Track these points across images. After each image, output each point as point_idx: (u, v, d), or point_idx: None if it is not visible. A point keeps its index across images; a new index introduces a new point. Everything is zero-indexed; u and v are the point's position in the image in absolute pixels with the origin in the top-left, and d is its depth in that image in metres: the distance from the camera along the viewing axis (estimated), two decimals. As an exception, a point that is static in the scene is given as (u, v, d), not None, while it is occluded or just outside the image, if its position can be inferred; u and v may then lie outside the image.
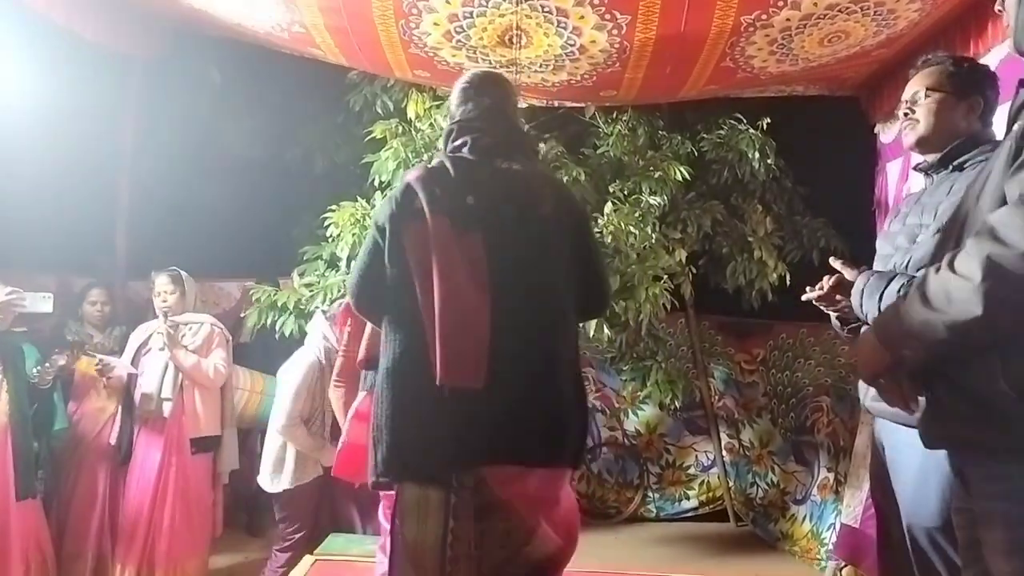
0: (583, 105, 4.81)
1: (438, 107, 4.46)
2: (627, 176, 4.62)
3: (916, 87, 2.06)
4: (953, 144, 1.95)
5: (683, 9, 3.44)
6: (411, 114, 4.48)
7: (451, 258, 1.83)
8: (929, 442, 1.40)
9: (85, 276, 4.55)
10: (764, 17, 3.48)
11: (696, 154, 4.87)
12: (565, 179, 4.46)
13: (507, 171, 1.95)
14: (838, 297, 1.99)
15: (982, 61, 2.79)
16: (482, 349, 1.79)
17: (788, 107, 4.86)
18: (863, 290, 1.85)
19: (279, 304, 4.25)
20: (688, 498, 5.71)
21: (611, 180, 4.63)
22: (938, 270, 1.26)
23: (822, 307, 2.08)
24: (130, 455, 3.69)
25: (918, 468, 1.86)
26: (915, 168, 2.14)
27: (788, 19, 3.49)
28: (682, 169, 4.54)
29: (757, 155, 4.69)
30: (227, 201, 5.08)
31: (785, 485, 5.38)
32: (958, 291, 1.20)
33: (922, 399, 1.40)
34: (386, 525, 2.31)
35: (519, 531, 1.86)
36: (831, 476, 4.98)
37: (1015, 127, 1.33)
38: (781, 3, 3.37)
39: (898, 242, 1.97)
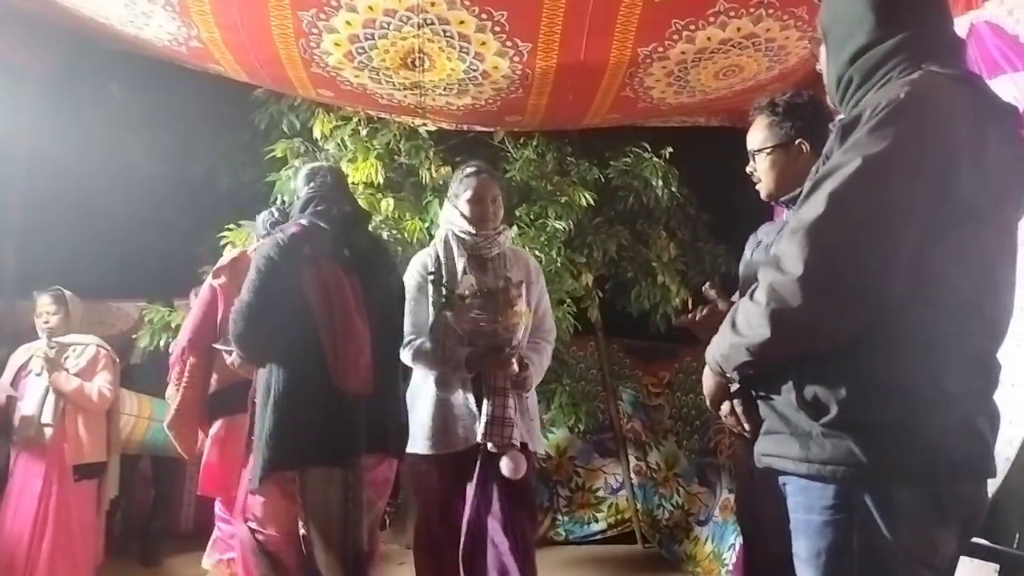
0: (493, 130, 4.84)
1: (343, 127, 4.43)
2: (534, 200, 4.67)
3: (749, 145, 2.14)
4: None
5: (582, 38, 3.50)
6: (316, 134, 4.44)
7: (344, 295, 2.46)
8: (757, 459, 1.49)
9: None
10: (660, 49, 3.57)
11: (603, 180, 4.94)
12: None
13: (363, 233, 2.75)
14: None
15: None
16: (369, 364, 2.48)
17: (693, 136, 4.98)
18: None
19: (173, 325, 4.14)
20: (597, 520, 5.74)
21: (518, 204, 4.67)
22: (744, 298, 1.37)
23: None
24: (6, 481, 3.52)
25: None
26: (776, 202, 2.22)
27: (683, 52, 3.58)
28: (587, 195, 4.61)
29: (660, 183, 4.80)
30: (127, 219, 4.93)
31: (689, 507, 5.46)
32: (753, 316, 1.31)
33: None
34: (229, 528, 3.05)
35: (374, 507, 2.60)
36: (732, 497, 5.07)
37: (813, 168, 1.40)
38: (676, 37, 3.47)
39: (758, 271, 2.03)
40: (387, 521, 5.13)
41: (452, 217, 3.00)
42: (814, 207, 1.28)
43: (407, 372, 2.90)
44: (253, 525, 2.50)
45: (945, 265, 1.29)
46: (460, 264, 2.91)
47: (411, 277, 2.95)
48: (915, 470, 1.30)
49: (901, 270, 1.25)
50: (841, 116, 1.45)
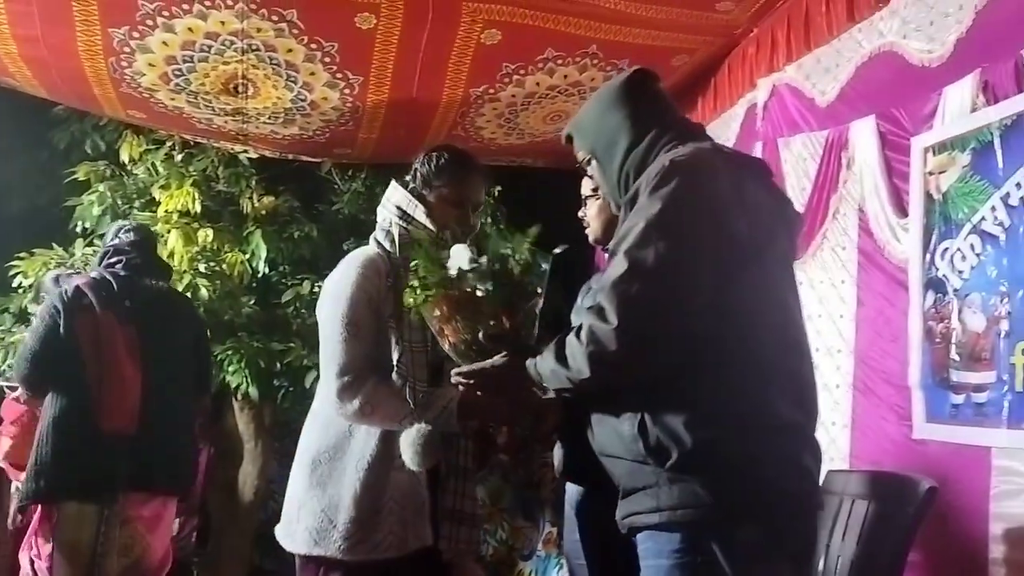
0: (320, 160, 4.72)
1: (155, 151, 4.16)
2: (363, 233, 4.56)
3: (582, 190, 2.23)
4: None
5: (415, 75, 3.51)
6: (124, 157, 4.14)
7: (115, 342, 2.68)
8: (621, 527, 1.54)
9: None
10: (491, 91, 3.64)
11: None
12: (297, 235, 4.35)
13: (152, 285, 2.86)
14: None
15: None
16: (135, 407, 2.66)
17: (520, 176, 5.07)
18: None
19: (-50, 364, 3.69)
20: (421, 559, 5.64)
21: (346, 237, 4.56)
22: (571, 334, 1.47)
23: None
24: None
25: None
26: (601, 248, 2.31)
27: (514, 96, 3.68)
28: (416, 230, 4.57)
29: (489, 220, 4.85)
30: None
31: (514, 541, 5.49)
32: (577, 354, 1.43)
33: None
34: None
35: (138, 544, 2.71)
36: (555, 531, 5.15)
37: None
38: (507, 80, 3.56)
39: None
40: (194, 572, 4.82)
41: (415, 211, 2.07)
42: (617, 267, 1.42)
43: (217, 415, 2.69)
44: (33, 555, 2.65)
45: (746, 299, 1.44)
46: None
47: (349, 291, 1.98)
48: (756, 508, 1.39)
49: (703, 309, 1.40)
50: None
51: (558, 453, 2.19)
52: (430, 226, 2.06)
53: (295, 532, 1.95)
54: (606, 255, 2.25)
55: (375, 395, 1.89)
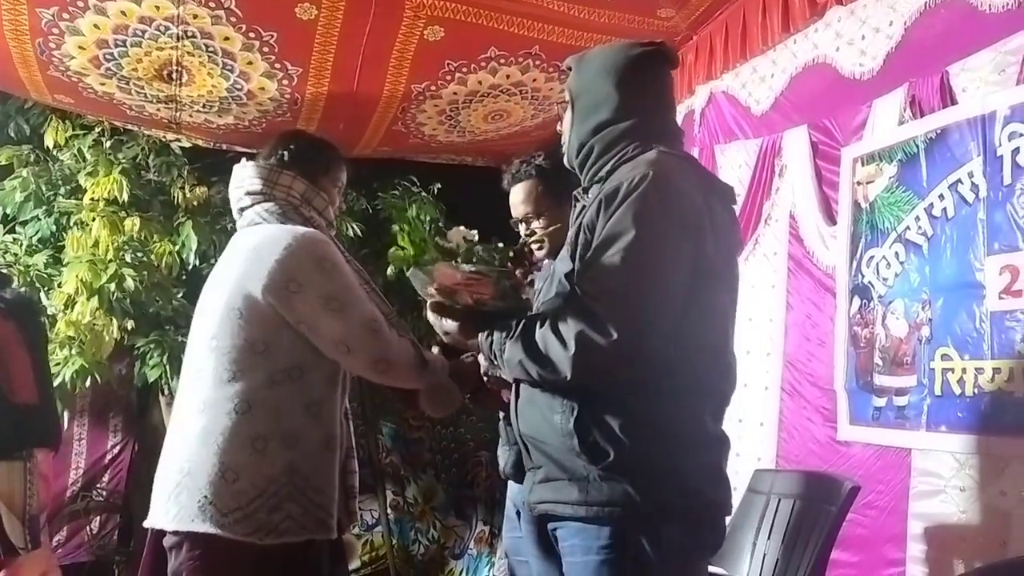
0: (255, 151, 4.62)
1: (83, 136, 4.02)
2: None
3: (523, 209, 2.23)
4: None
5: (356, 68, 3.46)
6: (49, 142, 3.98)
7: (6, 333, 3.01)
8: (531, 508, 1.57)
9: None
10: (433, 88, 3.62)
11: (371, 211, 4.88)
12: (230, 227, 4.23)
13: (12, 290, 3.19)
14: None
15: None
16: (31, 382, 3.09)
17: (461, 174, 5.07)
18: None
19: None
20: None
21: (280, 231, 4.48)
22: (542, 325, 1.44)
23: None
24: None
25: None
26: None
27: (455, 93, 3.66)
28: (355, 225, 4.53)
29: (428, 217, 4.82)
30: None
31: (445, 540, 5.48)
32: (557, 355, 1.40)
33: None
34: None
35: (41, 492, 3.14)
36: (487, 529, 5.16)
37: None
38: (449, 77, 3.54)
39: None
40: (116, 571, 4.70)
41: (314, 199, 2.03)
42: (612, 273, 1.39)
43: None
44: None
45: (699, 317, 1.46)
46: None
47: (338, 258, 1.93)
48: (681, 510, 1.44)
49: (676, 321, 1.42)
50: (583, 186, 1.63)
51: (503, 454, 2.20)
52: (329, 214, 2.07)
53: (239, 516, 1.81)
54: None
55: (405, 348, 2.12)
